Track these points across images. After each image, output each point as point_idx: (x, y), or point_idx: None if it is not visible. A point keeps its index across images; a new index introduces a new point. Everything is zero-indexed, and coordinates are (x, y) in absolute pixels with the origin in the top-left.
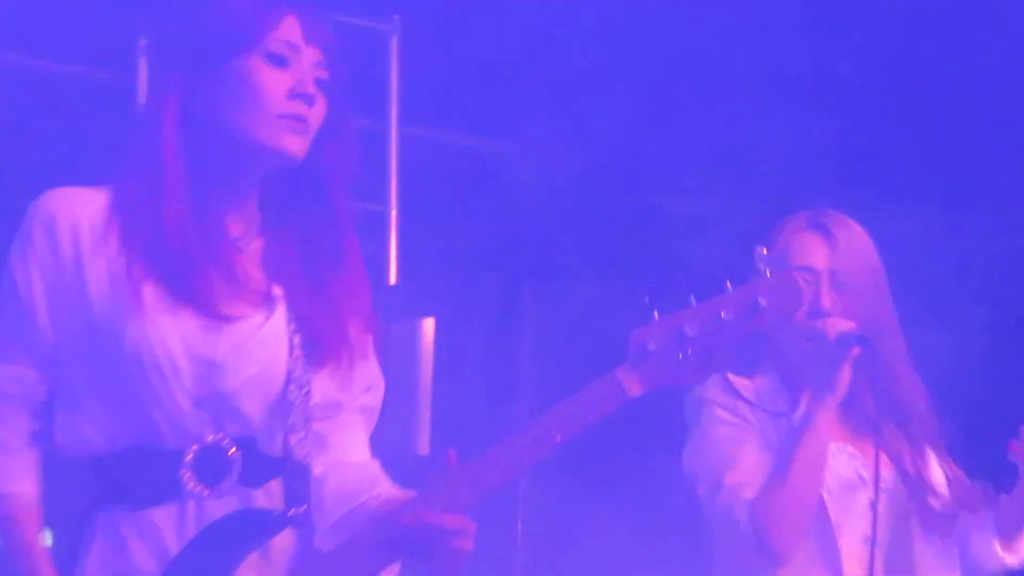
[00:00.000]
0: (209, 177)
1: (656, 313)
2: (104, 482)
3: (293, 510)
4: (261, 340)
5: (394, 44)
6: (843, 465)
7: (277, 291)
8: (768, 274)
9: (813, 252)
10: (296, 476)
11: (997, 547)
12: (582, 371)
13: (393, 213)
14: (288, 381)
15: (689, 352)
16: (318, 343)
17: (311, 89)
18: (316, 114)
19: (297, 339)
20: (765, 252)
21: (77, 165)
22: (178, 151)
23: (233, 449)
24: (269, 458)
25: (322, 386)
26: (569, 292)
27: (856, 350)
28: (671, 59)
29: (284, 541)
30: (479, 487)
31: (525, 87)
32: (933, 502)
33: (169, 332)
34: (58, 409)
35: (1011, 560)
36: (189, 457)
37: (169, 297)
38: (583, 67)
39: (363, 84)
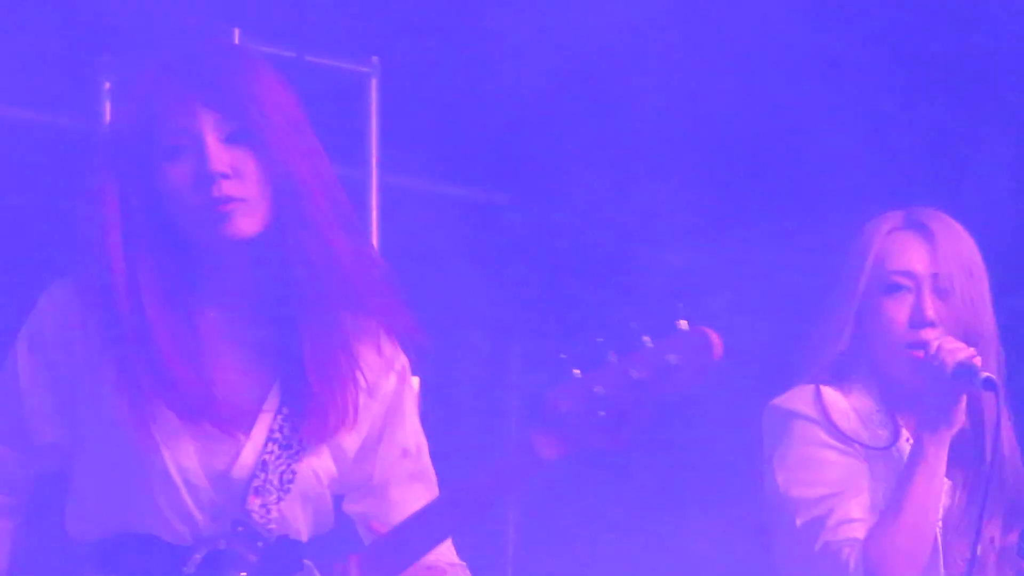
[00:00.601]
0: (176, 273)
1: (577, 371)
2: (106, 560)
3: None
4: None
5: (374, 87)
6: None
7: (266, 371)
8: (685, 328)
9: (913, 254)
10: (246, 541)
11: None
12: None
13: None
14: (268, 440)
15: (602, 414)
16: (308, 416)
17: (216, 166)
18: (246, 179)
19: (285, 409)
20: (682, 306)
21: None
22: (128, 262)
23: (252, 556)
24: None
25: (336, 458)
26: (559, 350)
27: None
28: (663, 106)
29: None
30: (402, 555)
31: (513, 134)
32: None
33: (183, 449)
34: (69, 500)
35: None
36: (198, 557)
37: (177, 413)
38: (576, 112)
39: (341, 128)
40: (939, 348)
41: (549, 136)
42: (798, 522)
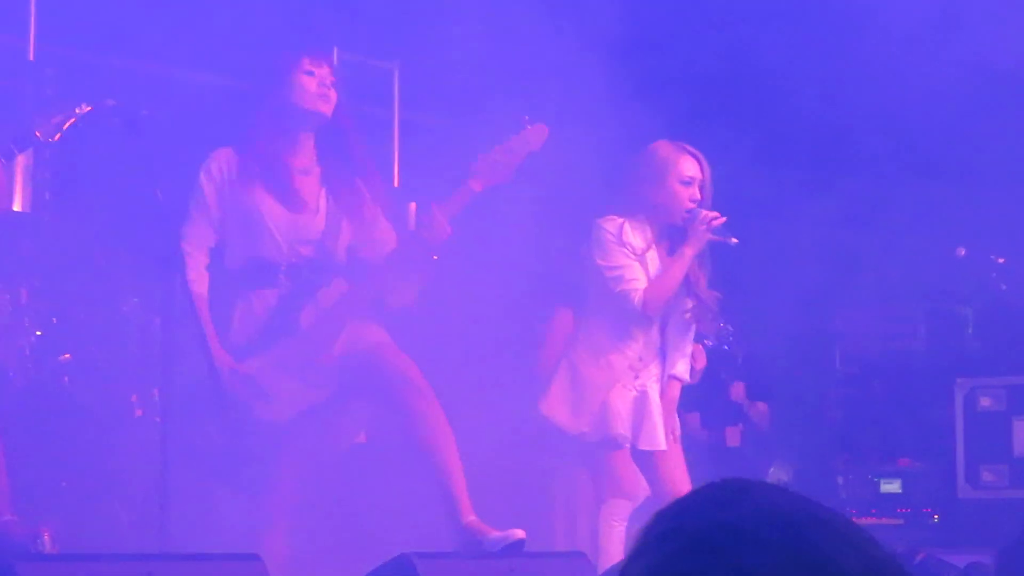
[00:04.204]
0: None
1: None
2: (244, 274)
3: None
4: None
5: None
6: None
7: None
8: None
9: (695, 168)
10: (319, 256)
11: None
12: None
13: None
14: (326, 214)
15: (499, 162)
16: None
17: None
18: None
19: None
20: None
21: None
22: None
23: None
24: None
25: (356, 232)
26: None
27: (716, 238)
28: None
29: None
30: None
31: None
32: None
33: (279, 217)
34: (226, 254)
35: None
36: (284, 266)
37: (281, 204)
38: None
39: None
40: (700, 210)
41: None
42: (609, 280)
